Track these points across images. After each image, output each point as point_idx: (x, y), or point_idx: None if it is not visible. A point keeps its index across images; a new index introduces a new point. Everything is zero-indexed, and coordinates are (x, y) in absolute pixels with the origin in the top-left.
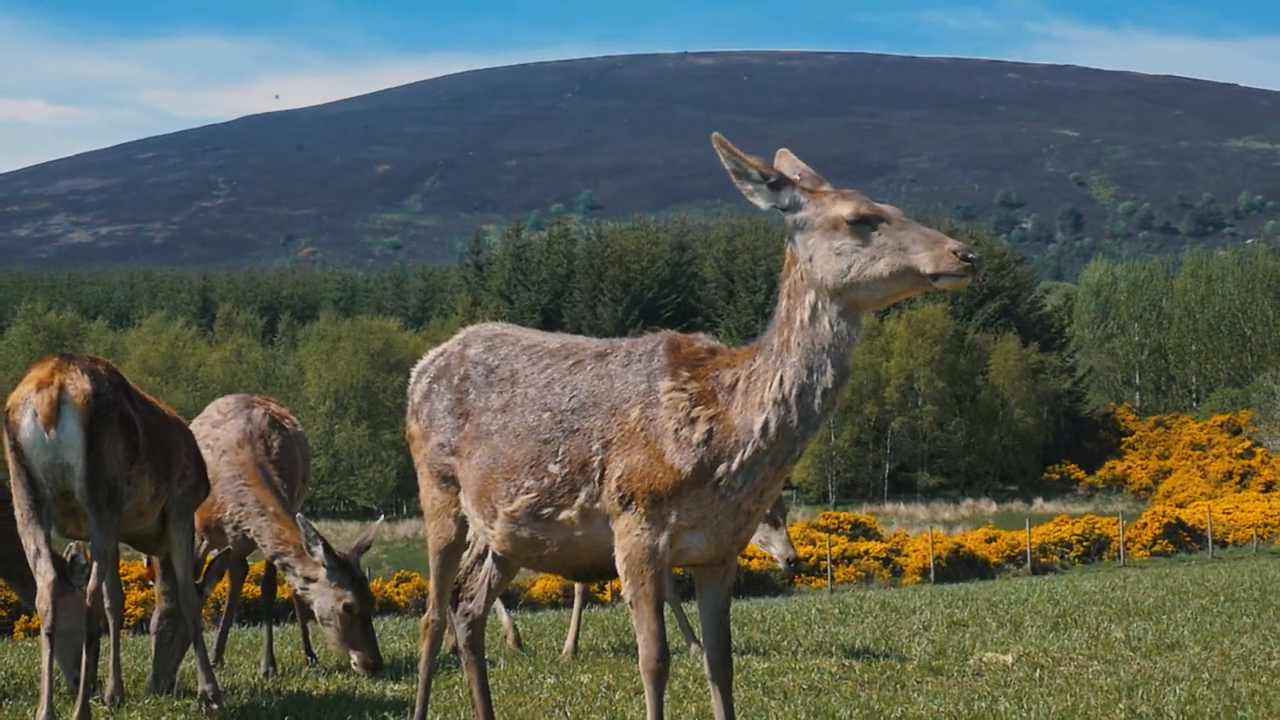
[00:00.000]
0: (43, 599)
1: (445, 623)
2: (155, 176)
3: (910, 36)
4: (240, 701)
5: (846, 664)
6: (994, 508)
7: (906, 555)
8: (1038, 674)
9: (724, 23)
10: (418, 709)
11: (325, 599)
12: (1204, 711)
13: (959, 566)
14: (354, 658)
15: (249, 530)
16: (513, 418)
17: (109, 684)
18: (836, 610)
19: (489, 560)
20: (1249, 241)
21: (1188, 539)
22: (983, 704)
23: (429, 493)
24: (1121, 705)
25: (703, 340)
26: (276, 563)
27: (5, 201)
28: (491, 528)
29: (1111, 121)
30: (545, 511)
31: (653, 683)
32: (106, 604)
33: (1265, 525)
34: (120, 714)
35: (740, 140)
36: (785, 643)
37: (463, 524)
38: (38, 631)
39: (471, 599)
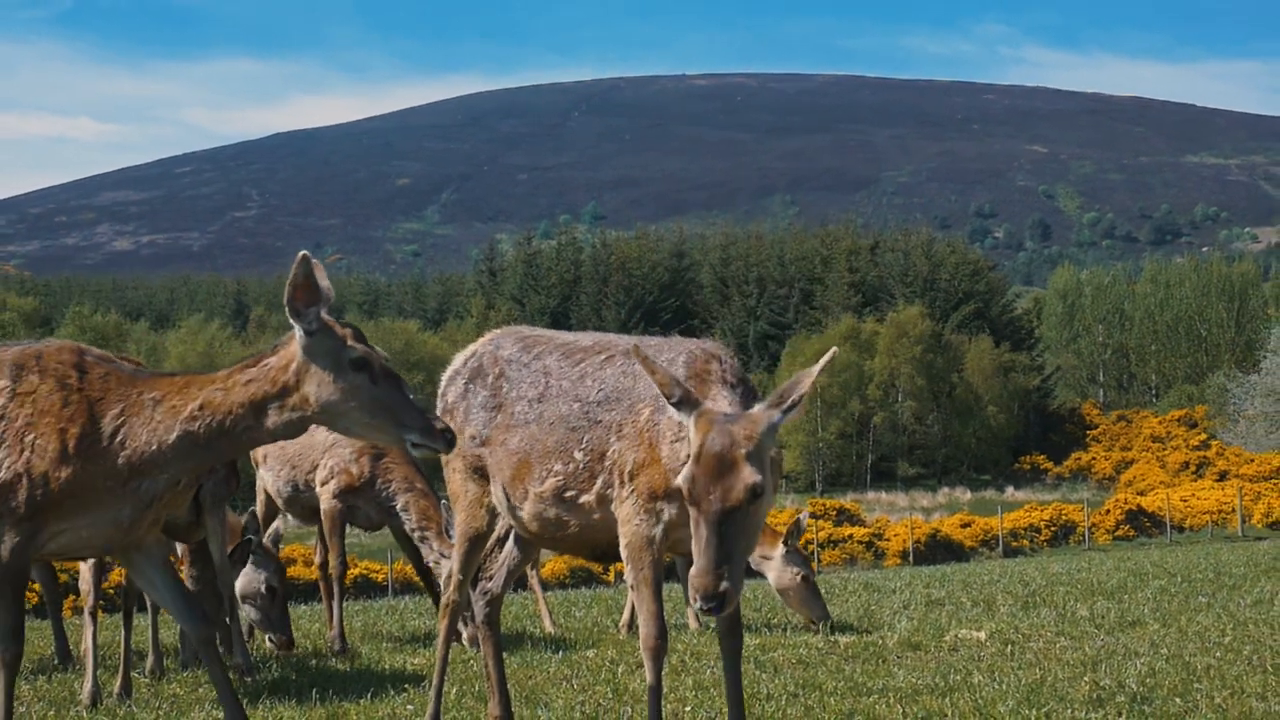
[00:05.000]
0: (84, 580)
1: (465, 603)
2: (193, 189)
3: (893, 60)
4: (271, 675)
5: (832, 640)
6: (968, 496)
7: (888, 539)
8: (1009, 649)
9: (720, 47)
10: (435, 681)
11: None
12: (1162, 684)
13: (936, 550)
14: (465, 632)
15: (396, 503)
16: (548, 408)
17: (149, 658)
18: (823, 590)
19: (509, 543)
20: (1204, 250)
21: (1148, 524)
22: (958, 677)
23: (462, 485)
24: (1086, 678)
25: (725, 363)
26: (415, 535)
27: (54, 212)
28: (521, 509)
29: (1078, 138)
30: (569, 494)
31: (652, 658)
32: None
33: (1219, 512)
34: (160, 686)
35: (735, 155)
36: (775, 620)
37: (493, 513)
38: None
39: (491, 579)
